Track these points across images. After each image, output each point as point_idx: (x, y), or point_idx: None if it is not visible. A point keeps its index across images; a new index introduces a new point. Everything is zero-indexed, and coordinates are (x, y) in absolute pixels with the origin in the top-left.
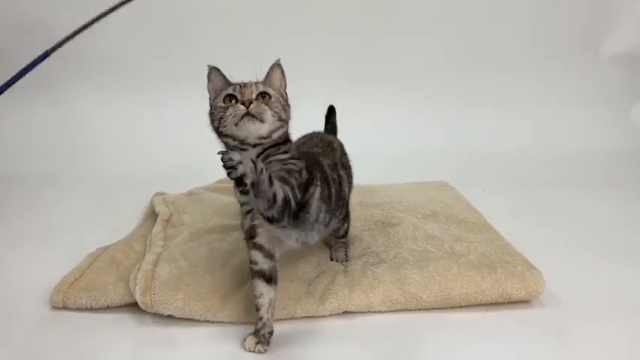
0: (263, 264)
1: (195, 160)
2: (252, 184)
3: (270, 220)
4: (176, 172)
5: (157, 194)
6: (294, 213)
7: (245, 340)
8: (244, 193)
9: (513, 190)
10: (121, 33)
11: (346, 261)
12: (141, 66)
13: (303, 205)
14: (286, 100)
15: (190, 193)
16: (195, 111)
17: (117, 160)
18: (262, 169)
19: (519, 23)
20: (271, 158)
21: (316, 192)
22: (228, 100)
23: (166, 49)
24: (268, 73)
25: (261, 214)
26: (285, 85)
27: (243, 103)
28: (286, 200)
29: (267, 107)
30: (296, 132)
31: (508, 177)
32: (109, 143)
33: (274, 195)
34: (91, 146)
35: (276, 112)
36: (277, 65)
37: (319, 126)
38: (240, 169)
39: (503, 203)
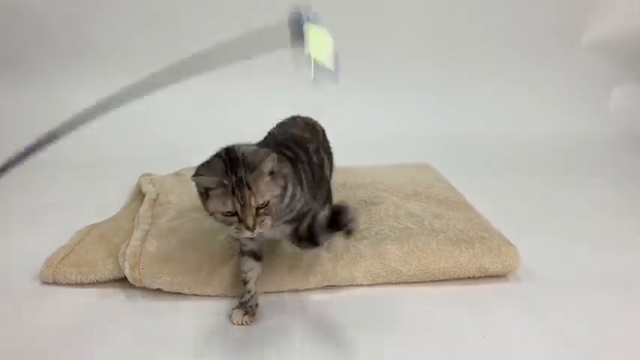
0: (252, 245)
1: (182, 143)
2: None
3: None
4: (163, 155)
5: (144, 175)
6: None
7: (232, 313)
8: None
9: (492, 175)
10: (107, 18)
11: None
12: (127, 49)
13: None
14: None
15: (177, 174)
16: (182, 94)
17: (103, 143)
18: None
19: (500, 12)
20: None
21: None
22: (229, 215)
23: (152, 33)
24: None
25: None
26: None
27: (247, 228)
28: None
29: (268, 218)
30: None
31: (487, 162)
32: (96, 127)
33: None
34: (78, 130)
35: (277, 210)
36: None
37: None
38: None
39: (482, 187)
